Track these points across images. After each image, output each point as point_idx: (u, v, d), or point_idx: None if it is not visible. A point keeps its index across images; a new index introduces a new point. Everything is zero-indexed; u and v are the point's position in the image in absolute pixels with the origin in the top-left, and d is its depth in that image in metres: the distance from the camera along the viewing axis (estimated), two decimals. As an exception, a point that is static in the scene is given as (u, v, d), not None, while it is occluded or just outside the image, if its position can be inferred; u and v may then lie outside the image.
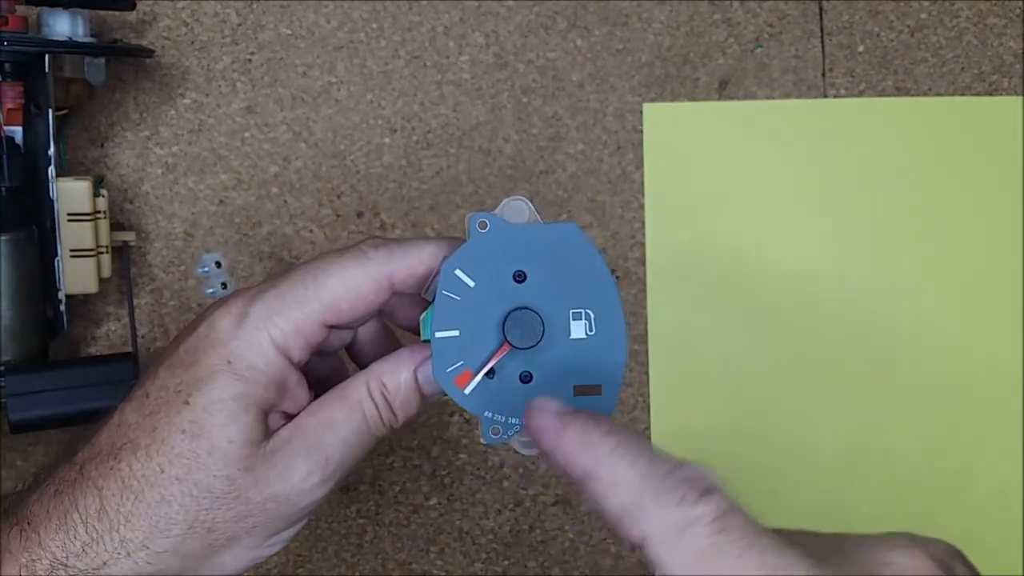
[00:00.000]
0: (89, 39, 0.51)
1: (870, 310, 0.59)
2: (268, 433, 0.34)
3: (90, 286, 0.51)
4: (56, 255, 0.50)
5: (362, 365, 0.38)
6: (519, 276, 0.35)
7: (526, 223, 0.35)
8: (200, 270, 0.54)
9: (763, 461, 0.59)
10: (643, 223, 0.58)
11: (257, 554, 0.35)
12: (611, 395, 0.35)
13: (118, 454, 0.34)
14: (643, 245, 0.58)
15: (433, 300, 0.35)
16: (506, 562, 0.58)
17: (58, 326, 0.52)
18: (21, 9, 0.49)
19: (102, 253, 0.51)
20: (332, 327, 0.36)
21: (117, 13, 0.55)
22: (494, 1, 0.58)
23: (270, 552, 0.35)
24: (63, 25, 0.50)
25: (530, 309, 0.34)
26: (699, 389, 0.59)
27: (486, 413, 0.35)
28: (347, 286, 0.35)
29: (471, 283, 0.35)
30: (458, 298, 0.34)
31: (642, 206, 0.59)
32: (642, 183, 0.58)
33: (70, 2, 0.50)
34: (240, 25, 0.56)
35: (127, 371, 0.50)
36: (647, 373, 0.58)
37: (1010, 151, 0.60)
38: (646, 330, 0.58)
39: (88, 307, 0.55)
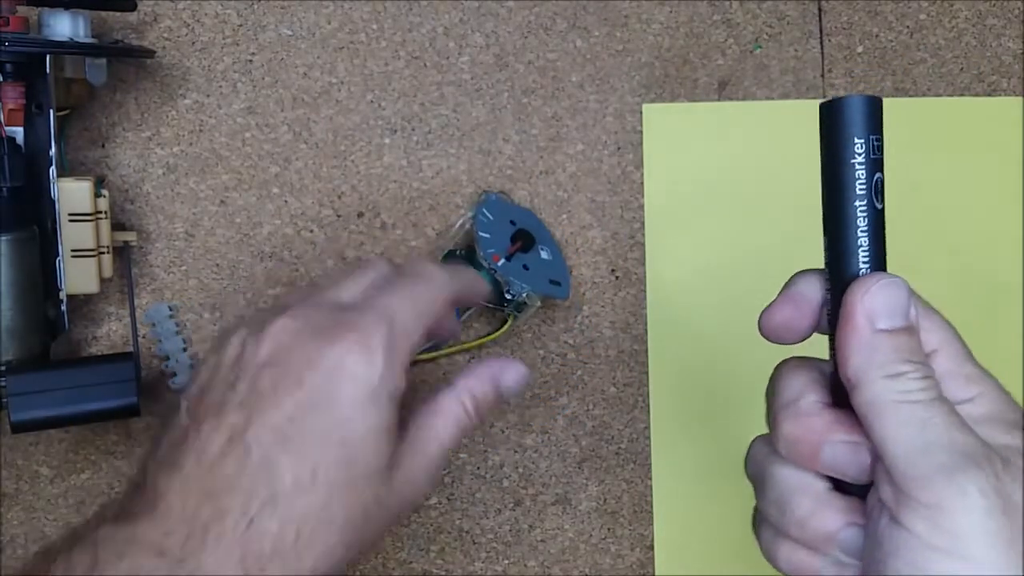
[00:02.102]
0: (90, 40, 0.51)
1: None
2: (400, 436, 0.40)
3: (91, 286, 0.51)
4: (57, 255, 0.50)
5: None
6: (512, 223, 0.56)
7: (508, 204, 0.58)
8: (147, 321, 0.51)
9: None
10: (643, 223, 0.59)
11: (355, 558, 0.39)
12: (566, 285, 0.57)
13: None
14: (643, 245, 0.59)
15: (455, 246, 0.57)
16: (506, 561, 0.58)
17: (59, 326, 0.52)
18: (22, 10, 0.49)
19: (103, 253, 0.52)
20: None
21: (118, 14, 0.55)
22: (494, 2, 0.58)
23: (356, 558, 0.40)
24: (64, 26, 0.50)
25: (526, 230, 0.57)
26: (698, 389, 0.59)
27: (508, 278, 0.55)
28: (437, 312, 0.42)
29: (491, 217, 0.56)
30: (486, 221, 0.55)
31: (642, 206, 0.59)
32: (642, 183, 0.59)
33: (71, 3, 0.50)
34: (241, 26, 0.56)
35: (128, 371, 0.50)
36: (647, 373, 0.58)
37: (1010, 151, 0.60)
38: (645, 330, 0.59)
39: (89, 307, 0.55)
